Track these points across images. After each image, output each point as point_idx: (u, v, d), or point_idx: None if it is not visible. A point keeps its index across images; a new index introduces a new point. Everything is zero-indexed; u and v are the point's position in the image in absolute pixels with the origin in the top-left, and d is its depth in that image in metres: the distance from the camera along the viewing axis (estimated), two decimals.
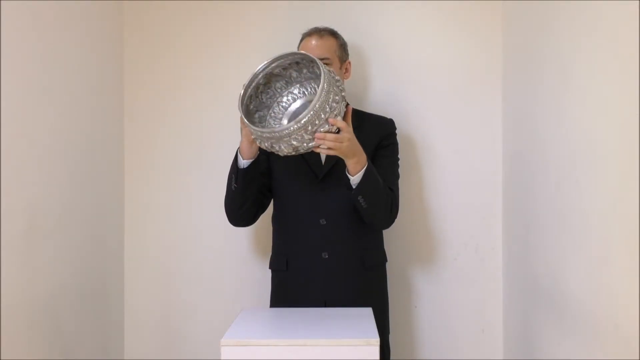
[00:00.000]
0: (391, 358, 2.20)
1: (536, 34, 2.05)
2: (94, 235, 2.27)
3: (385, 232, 2.24)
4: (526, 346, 2.16)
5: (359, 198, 1.94)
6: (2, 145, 1.69)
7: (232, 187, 2.03)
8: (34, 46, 1.88)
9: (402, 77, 2.46)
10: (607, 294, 1.53)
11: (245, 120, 1.86)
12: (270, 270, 2.22)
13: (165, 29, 2.50)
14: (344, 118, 1.85)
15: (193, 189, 2.50)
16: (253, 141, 1.94)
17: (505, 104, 2.40)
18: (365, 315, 1.79)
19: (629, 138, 1.39)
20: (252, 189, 2.05)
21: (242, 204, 2.06)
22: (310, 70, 1.99)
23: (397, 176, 2.15)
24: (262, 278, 2.38)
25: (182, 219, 2.51)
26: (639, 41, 1.35)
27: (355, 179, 1.92)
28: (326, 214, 2.08)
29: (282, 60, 1.95)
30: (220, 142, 2.47)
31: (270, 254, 2.23)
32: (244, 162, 1.99)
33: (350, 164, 1.90)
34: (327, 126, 1.78)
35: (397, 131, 2.23)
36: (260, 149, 2.01)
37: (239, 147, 2.00)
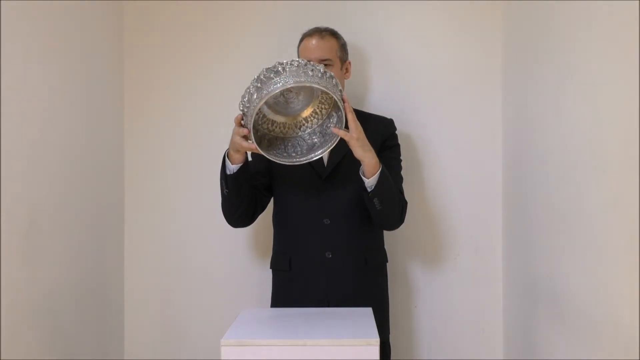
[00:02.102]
0: (391, 358, 2.20)
1: (536, 33, 2.05)
2: (94, 235, 2.27)
3: (386, 232, 2.24)
4: (526, 346, 2.16)
5: (374, 200, 1.94)
6: (2, 145, 1.69)
7: (224, 192, 2.02)
8: (34, 46, 1.88)
9: (402, 77, 2.46)
10: (607, 294, 1.53)
11: (280, 159, 1.88)
12: (270, 270, 2.22)
13: (166, 30, 2.50)
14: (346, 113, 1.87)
15: (193, 189, 2.50)
16: (245, 151, 1.93)
17: (505, 104, 2.40)
18: (365, 315, 1.78)
19: (629, 138, 1.39)
20: (245, 192, 2.03)
21: (237, 208, 2.06)
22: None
23: (402, 178, 2.15)
24: (262, 278, 2.38)
25: (182, 219, 2.51)
26: (639, 41, 1.35)
27: (371, 181, 1.92)
28: (329, 214, 2.08)
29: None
30: (221, 142, 2.46)
31: (270, 253, 2.23)
32: (232, 167, 1.97)
33: (366, 163, 1.91)
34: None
35: (397, 131, 2.23)
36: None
37: (226, 152, 1.98)
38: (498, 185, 2.44)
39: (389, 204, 1.97)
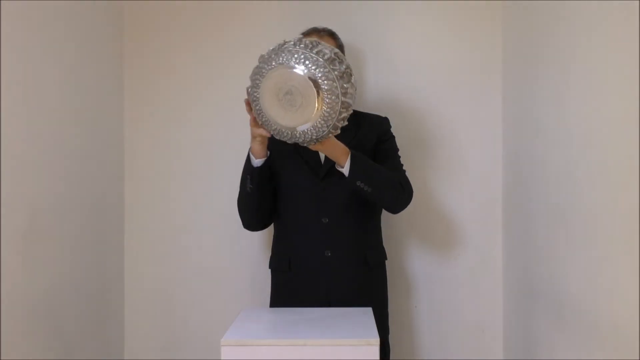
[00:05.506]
0: (391, 358, 2.20)
1: (536, 33, 2.05)
2: (94, 235, 2.27)
3: (385, 231, 2.24)
4: (526, 346, 2.16)
5: (358, 184, 1.94)
6: (2, 145, 1.69)
7: (248, 188, 2.03)
8: (34, 47, 1.88)
9: (401, 77, 2.46)
10: (607, 294, 1.53)
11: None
12: (270, 270, 2.22)
13: (166, 31, 2.50)
14: None
15: (193, 189, 2.50)
16: (264, 141, 1.96)
17: (505, 104, 2.40)
18: (365, 315, 1.78)
19: (629, 137, 1.39)
20: (267, 189, 2.05)
21: (258, 206, 2.07)
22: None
23: (402, 165, 2.14)
24: (262, 278, 2.38)
25: (182, 219, 2.51)
26: (639, 41, 1.35)
27: (345, 169, 1.93)
28: (328, 213, 2.08)
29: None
30: (220, 141, 2.48)
31: (270, 253, 2.23)
32: (257, 162, 1.99)
33: (331, 154, 1.92)
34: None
35: (395, 130, 2.22)
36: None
37: (250, 149, 2.00)
38: (498, 185, 2.44)
39: (378, 183, 1.96)
